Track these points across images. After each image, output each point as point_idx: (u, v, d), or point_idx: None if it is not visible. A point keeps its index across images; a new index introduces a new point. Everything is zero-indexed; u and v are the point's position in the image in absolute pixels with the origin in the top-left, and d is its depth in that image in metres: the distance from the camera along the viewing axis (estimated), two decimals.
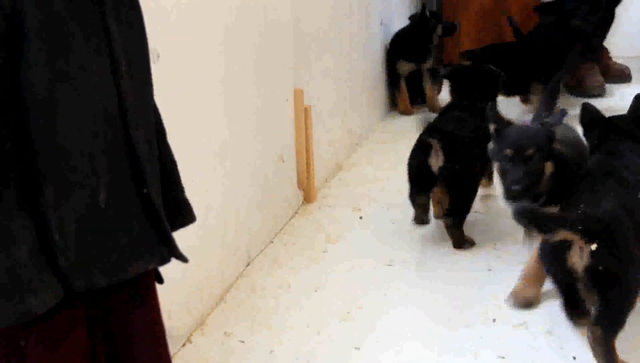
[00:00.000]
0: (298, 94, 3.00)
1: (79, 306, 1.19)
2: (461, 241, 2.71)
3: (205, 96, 2.25)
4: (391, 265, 2.60)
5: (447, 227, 2.70)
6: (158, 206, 1.26)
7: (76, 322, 1.20)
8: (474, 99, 2.91)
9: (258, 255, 2.68)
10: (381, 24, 4.53)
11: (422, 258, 2.64)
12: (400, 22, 4.98)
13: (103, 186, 1.15)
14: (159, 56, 1.91)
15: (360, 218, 3.03)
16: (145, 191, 1.22)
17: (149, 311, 1.37)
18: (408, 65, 4.51)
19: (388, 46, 4.60)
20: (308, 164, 3.09)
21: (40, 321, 1.12)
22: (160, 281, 1.40)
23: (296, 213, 3.07)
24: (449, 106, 3.02)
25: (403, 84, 4.55)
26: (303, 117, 3.03)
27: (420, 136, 2.69)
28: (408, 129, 4.37)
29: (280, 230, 2.90)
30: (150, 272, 1.35)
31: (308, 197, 3.15)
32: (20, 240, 1.07)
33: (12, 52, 1.05)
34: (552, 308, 2.23)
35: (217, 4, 2.32)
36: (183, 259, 1.33)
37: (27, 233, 1.08)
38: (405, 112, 4.58)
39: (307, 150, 3.08)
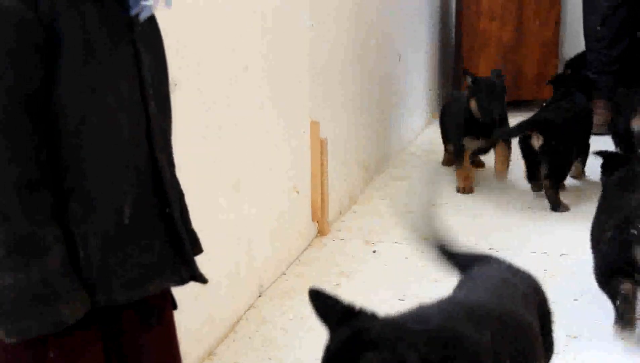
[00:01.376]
0: (314, 127, 3.01)
1: (96, 323, 1.20)
2: (556, 204, 3.42)
3: (221, 126, 2.27)
4: (404, 300, 2.58)
5: (546, 188, 3.44)
6: (180, 227, 1.28)
7: (93, 339, 1.21)
8: (572, 96, 3.76)
9: (270, 286, 2.67)
10: (399, 59, 4.55)
11: (435, 294, 2.61)
12: (417, 56, 5.01)
13: (128, 204, 1.17)
14: (176, 85, 1.92)
15: (374, 251, 3.02)
16: (167, 211, 1.24)
17: (164, 333, 1.37)
18: (476, 141, 3.82)
19: (456, 120, 3.92)
20: (322, 197, 3.09)
21: (60, 335, 1.13)
22: (175, 306, 1.40)
23: (309, 245, 3.06)
24: (549, 102, 3.88)
25: (467, 159, 3.84)
26: (319, 149, 3.04)
27: (522, 124, 3.50)
28: (423, 165, 4.39)
29: (293, 261, 2.89)
30: (166, 295, 1.36)
31: (322, 230, 3.15)
32: (52, 250, 1.10)
33: (48, 64, 1.08)
34: (565, 350, 2.21)
35: (234, 35, 2.34)
36: (202, 280, 1.34)
37: (59, 244, 1.11)
38: (466, 190, 3.80)
39: (322, 183, 3.08)
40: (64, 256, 1.11)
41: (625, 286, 2.18)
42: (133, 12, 1.17)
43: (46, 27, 1.07)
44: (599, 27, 4.90)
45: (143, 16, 1.19)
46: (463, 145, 3.79)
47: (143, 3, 1.18)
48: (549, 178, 3.43)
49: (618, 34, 4.86)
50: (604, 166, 2.63)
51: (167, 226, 1.25)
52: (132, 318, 1.28)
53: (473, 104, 3.71)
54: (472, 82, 3.75)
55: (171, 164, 1.31)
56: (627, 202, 2.26)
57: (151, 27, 1.26)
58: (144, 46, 1.20)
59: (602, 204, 2.46)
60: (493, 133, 3.66)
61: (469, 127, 3.75)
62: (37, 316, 1.08)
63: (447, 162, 4.26)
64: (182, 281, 1.31)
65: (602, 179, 2.62)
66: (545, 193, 3.47)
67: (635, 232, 2.12)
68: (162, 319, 1.35)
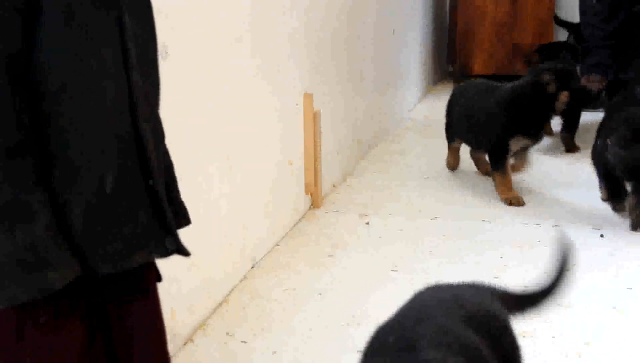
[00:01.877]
0: (308, 99, 3.00)
1: (79, 295, 1.19)
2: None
3: (215, 97, 2.25)
4: (396, 271, 2.59)
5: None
6: (163, 199, 1.25)
7: (76, 311, 1.19)
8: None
9: (263, 257, 2.68)
10: (393, 33, 4.54)
11: (427, 265, 2.63)
12: (412, 31, 4.99)
13: (110, 173, 1.15)
14: (167, 53, 1.91)
15: (367, 224, 3.02)
16: (151, 183, 1.22)
17: (149, 306, 1.36)
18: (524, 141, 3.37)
19: (502, 116, 3.33)
20: (316, 170, 3.09)
21: (41, 305, 1.12)
22: (159, 279, 1.39)
23: (303, 217, 3.06)
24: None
25: (509, 165, 3.35)
26: (312, 122, 3.03)
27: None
28: (418, 139, 4.39)
29: (287, 233, 2.89)
30: (151, 267, 1.35)
31: (315, 202, 3.15)
32: (38, 216, 1.08)
33: (29, 30, 1.06)
34: (557, 317, 2.22)
35: (229, 7, 2.32)
36: (185, 253, 1.32)
37: (45, 209, 1.09)
38: (519, 202, 3.26)
39: (315, 155, 3.07)
40: (50, 222, 1.09)
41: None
42: None
43: None
44: (594, 2, 4.87)
45: None
46: (508, 146, 3.29)
47: None
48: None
49: (614, 8, 4.84)
50: (607, 93, 3.34)
51: (151, 198, 1.23)
52: (116, 289, 1.27)
53: (564, 97, 3.29)
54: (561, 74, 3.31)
55: (157, 135, 1.27)
56: (612, 119, 2.98)
57: None
58: (130, 13, 1.17)
59: (601, 121, 3.22)
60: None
61: (522, 125, 3.28)
62: (23, 282, 1.07)
63: (452, 164, 3.75)
64: (166, 253, 1.28)
65: (605, 103, 3.30)
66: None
67: (609, 142, 2.87)
68: (146, 291, 1.34)
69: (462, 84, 3.86)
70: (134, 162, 1.19)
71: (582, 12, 5.04)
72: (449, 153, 3.74)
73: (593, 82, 4.69)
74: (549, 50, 4.62)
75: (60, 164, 1.11)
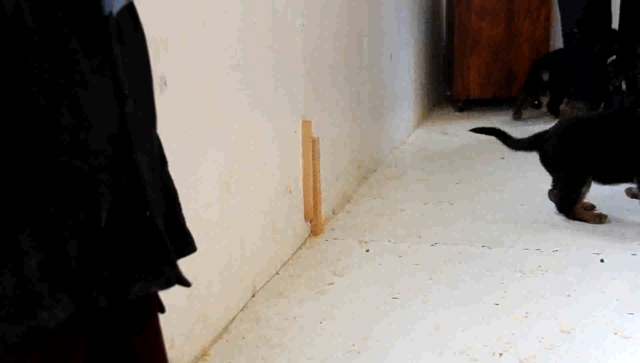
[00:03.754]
0: (306, 126, 3.01)
1: (78, 327, 1.18)
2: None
3: (212, 125, 2.26)
4: (397, 298, 2.58)
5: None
6: (161, 229, 1.24)
7: (76, 344, 1.18)
8: None
9: (263, 286, 2.67)
10: (391, 59, 4.55)
11: (428, 292, 2.62)
12: (409, 55, 5.00)
13: (104, 206, 1.14)
14: (166, 84, 1.92)
15: (367, 250, 3.02)
16: (148, 213, 1.21)
17: (150, 338, 1.35)
18: None
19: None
20: (315, 196, 3.09)
21: (40, 341, 1.11)
22: (162, 310, 1.38)
23: (303, 244, 3.06)
24: None
25: None
26: (311, 148, 3.03)
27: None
28: (417, 164, 4.39)
29: (287, 261, 2.89)
30: (152, 298, 1.34)
31: (315, 229, 3.14)
32: (30, 253, 1.06)
33: (15, 65, 1.05)
34: (558, 343, 2.21)
35: (225, 33, 2.34)
36: (186, 283, 1.31)
37: (37, 246, 1.07)
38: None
39: (315, 182, 3.08)
40: (41, 261, 1.07)
41: None
42: (107, 10, 1.14)
43: (9, 24, 1.04)
44: (575, 30, 4.88)
45: (116, 8, 1.15)
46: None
47: None
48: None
49: (594, 33, 4.85)
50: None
51: (148, 229, 1.21)
52: (116, 322, 1.26)
53: None
54: None
55: (154, 163, 1.26)
56: None
57: (130, 22, 1.22)
58: (120, 42, 1.15)
59: None
60: None
61: None
62: (14, 323, 1.05)
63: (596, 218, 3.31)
64: (167, 284, 1.27)
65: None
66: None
67: None
68: (148, 324, 1.33)
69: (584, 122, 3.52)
70: (129, 193, 1.18)
71: (565, 39, 5.05)
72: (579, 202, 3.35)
73: (577, 110, 4.71)
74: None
75: (53, 200, 1.09)
